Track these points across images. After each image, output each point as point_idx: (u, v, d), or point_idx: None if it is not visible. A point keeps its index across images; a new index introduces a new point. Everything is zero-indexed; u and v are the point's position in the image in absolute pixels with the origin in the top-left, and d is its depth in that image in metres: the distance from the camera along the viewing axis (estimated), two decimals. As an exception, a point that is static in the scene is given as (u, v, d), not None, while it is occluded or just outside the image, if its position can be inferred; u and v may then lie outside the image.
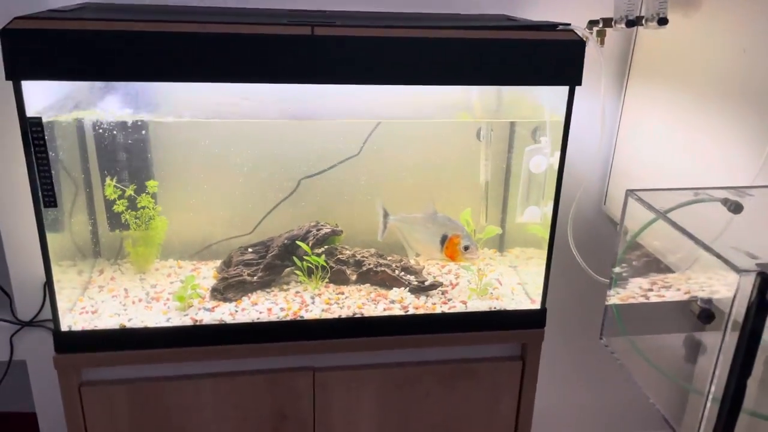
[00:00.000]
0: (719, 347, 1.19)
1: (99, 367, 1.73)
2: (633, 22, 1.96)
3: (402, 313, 1.87)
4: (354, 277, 2.00)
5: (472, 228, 2.38)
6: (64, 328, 1.88)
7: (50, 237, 1.78)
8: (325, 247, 2.23)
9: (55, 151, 1.83)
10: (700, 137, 1.73)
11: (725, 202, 1.52)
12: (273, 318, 1.83)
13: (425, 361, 1.93)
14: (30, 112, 1.61)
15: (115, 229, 2.08)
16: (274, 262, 1.94)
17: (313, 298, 1.94)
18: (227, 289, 1.92)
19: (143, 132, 1.95)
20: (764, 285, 1.08)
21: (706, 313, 1.32)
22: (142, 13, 1.58)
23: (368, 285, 1.98)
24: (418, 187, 2.11)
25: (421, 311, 1.89)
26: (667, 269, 2.04)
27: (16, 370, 2.11)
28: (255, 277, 1.95)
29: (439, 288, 2.00)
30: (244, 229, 2.11)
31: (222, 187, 2.03)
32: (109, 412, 1.73)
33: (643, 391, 1.59)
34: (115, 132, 2.02)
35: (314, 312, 1.84)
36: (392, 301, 1.92)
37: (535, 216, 2.07)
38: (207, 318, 1.82)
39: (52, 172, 1.73)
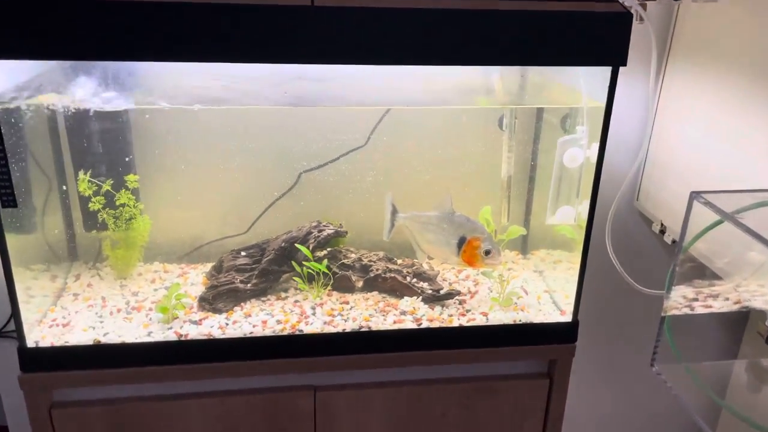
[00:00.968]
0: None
1: (71, 387, 1.50)
2: (682, -7, 1.70)
3: (414, 326, 1.71)
4: (360, 284, 1.80)
5: (492, 228, 2.12)
6: (30, 343, 1.65)
7: (18, 238, 1.55)
8: (328, 249, 1.99)
9: (21, 143, 1.60)
10: (749, 127, 1.48)
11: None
12: (268, 332, 1.60)
13: (440, 379, 1.78)
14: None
15: (92, 229, 1.84)
16: (271, 267, 1.71)
17: (314, 308, 1.70)
18: (217, 298, 1.69)
19: (122, 120, 1.70)
20: None
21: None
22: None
23: (376, 293, 1.84)
24: (431, 182, 1.96)
25: (435, 324, 1.73)
26: (714, 276, 1.80)
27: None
28: (249, 285, 1.71)
29: (456, 297, 1.80)
30: (238, 229, 1.95)
31: (213, 182, 1.88)
32: (83, 437, 1.49)
33: (702, 428, 1.34)
34: (89, 120, 1.78)
35: (315, 325, 1.62)
36: (403, 312, 1.68)
37: (568, 217, 1.81)
38: (193, 332, 1.59)
39: (13, 166, 1.49)
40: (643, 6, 1.86)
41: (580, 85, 1.80)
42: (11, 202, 1.44)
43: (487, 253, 1.80)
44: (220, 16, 1.25)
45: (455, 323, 1.72)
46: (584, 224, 1.60)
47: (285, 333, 1.66)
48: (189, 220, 1.91)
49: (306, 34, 1.29)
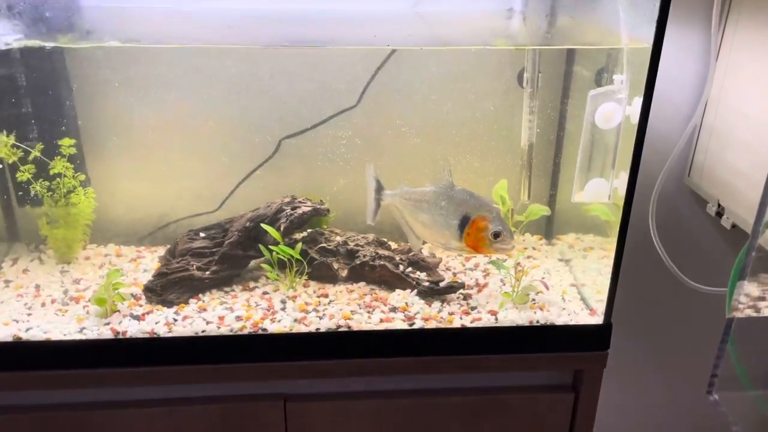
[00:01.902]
0: None
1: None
2: None
3: (405, 326, 1.47)
4: (344, 273, 1.62)
5: (508, 207, 1.76)
6: (-62, 339, 1.37)
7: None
8: (308, 231, 1.65)
9: None
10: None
11: None
12: (224, 330, 1.28)
13: (438, 391, 1.54)
14: None
15: (25, 204, 1.54)
16: (233, 251, 1.40)
17: (284, 302, 1.37)
18: (167, 288, 1.39)
19: (57, 64, 1.39)
20: None
21: None
22: None
23: (363, 284, 1.62)
24: (433, 151, 1.75)
25: (431, 324, 1.48)
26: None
27: None
28: (207, 272, 1.39)
29: (460, 291, 1.59)
30: (208, 205, 1.73)
31: (178, 146, 1.68)
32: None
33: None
34: (12, 65, 1.46)
35: (283, 322, 1.47)
36: (393, 309, 1.53)
37: (600, 192, 1.43)
38: (134, 329, 1.30)
39: None
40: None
41: (618, 24, 1.40)
42: None
43: (496, 235, 1.44)
44: None
45: (456, 323, 1.49)
46: (621, 203, 1.22)
47: (245, 332, 1.33)
48: (150, 194, 1.73)
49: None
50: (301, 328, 1.44)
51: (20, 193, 1.58)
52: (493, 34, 1.58)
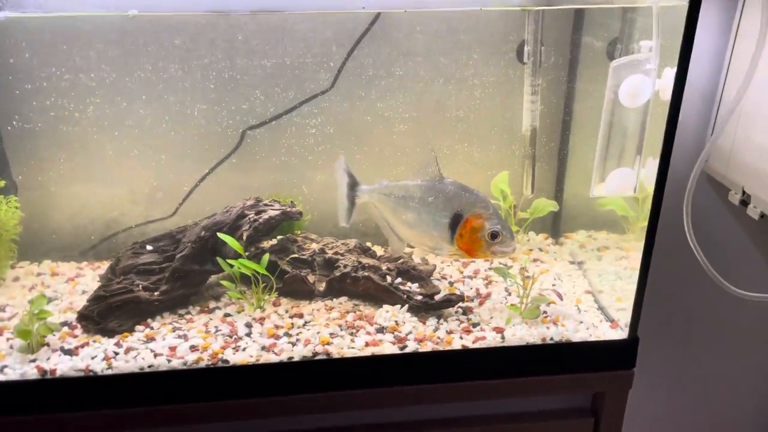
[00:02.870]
0: None
1: None
2: None
3: (396, 350, 1.27)
4: (321, 287, 1.43)
5: (510, 202, 1.52)
6: None
7: None
8: (276, 239, 1.40)
9: None
10: None
11: None
12: (177, 364, 1.24)
13: (436, 421, 1.34)
14: None
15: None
16: (188, 267, 1.18)
17: (249, 326, 1.33)
18: (106, 314, 1.16)
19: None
20: None
21: None
22: None
23: (345, 299, 1.43)
24: (419, 139, 1.54)
25: (427, 347, 1.28)
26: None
27: None
28: (156, 293, 1.14)
29: (458, 305, 1.40)
30: (162, 210, 1.54)
31: (125, 143, 1.48)
32: None
33: None
34: None
35: (249, 351, 1.26)
36: (381, 329, 1.34)
37: (625, 184, 1.19)
38: (64, 366, 1.10)
39: None
40: None
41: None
42: None
43: (494, 236, 1.21)
44: None
45: (456, 344, 1.29)
46: (643, 197, 1.01)
47: (202, 365, 1.08)
48: (94, 198, 1.53)
49: None
50: (271, 358, 1.21)
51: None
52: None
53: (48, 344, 1.24)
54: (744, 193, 1.61)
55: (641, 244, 1.50)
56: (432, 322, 1.33)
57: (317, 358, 1.25)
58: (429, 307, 1.35)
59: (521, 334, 1.29)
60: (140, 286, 1.31)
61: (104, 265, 1.51)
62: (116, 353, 1.23)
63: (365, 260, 1.41)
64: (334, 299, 1.40)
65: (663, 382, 2.03)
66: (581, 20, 1.46)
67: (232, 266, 1.31)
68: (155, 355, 1.22)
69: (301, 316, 1.34)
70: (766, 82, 1.47)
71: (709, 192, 1.80)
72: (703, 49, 1.59)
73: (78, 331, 1.29)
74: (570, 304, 1.41)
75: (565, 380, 1.32)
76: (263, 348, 1.25)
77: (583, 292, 1.46)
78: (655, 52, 1.14)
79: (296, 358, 1.24)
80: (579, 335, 1.31)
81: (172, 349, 1.24)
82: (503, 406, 1.37)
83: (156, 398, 1.22)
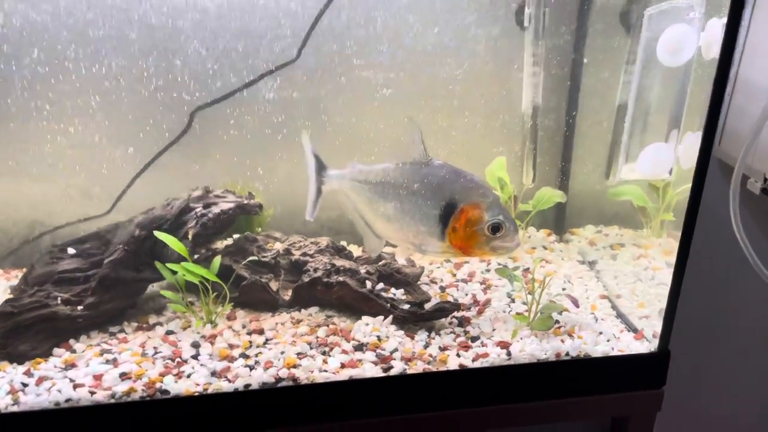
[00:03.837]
0: None
1: None
2: None
3: (379, 372, 1.06)
4: (287, 296, 1.21)
5: (509, 193, 1.32)
6: None
7: None
8: (233, 237, 1.15)
9: None
10: None
11: None
12: (102, 396, 1.00)
13: None
14: None
15: None
16: (120, 274, 0.97)
17: (197, 345, 1.12)
18: (14, 335, 0.91)
19: None
20: None
21: None
22: None
23: (316, 310, 1.22)
24: (400, 116, 1.27)
25: (417, 368, 1.08)
26: None
27: None
28: (80, 308, 0.91)
29: (453, 315, 1.19)
30: (96, 207, 1.33)
31: (55, 127, 1.28)
32: None
33: None
34: None
35: (196, 378, 1.04)
36: (360, 346, 1.13)
37: (660, 162, 0.97)
38: None
39: None
40: None
41: None
42: None
43: (495, 229, 1.02)
44: None
45: (452, 363, 1.10)
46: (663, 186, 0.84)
47: (135, 397, 1.02)
48: (16, 194, 1.33)
49: None
50: (223, 386, 1.01)
51: None
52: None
53: (-64, 374, 0.98)
54: (766, 180, 1.41)
55: (661, 240, 1.29)
56: (422, 336, 1.12)
57: (281, 384, 1.03)
58: (418, 317, 1.13)
59: (531, 349, 1.08)
60: (59, 299, 1.06)
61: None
62: (25, 384, 1.00)
63: (340, 262, 1.18)
64: (303, 310, 1.19)
65: (692, 401, 1.80)
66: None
67: (174, 272, 1.06)
68: (75, 386, 1.00)
69: (261, 332, 1.11)
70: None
71: (725, 179, 1.59)
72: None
73: (-21, 356, 1.03)
74: (585, 311, 1.19)
75: (583, 403, 1.12)
76: (213, 374, 1.02)
77: (597, 297, 1.26)
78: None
79: (255, 386, 1.02)
80: (600, 349, 1.10)
81: (97, 377, 1.01)
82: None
83: (77, 440, 0.96)
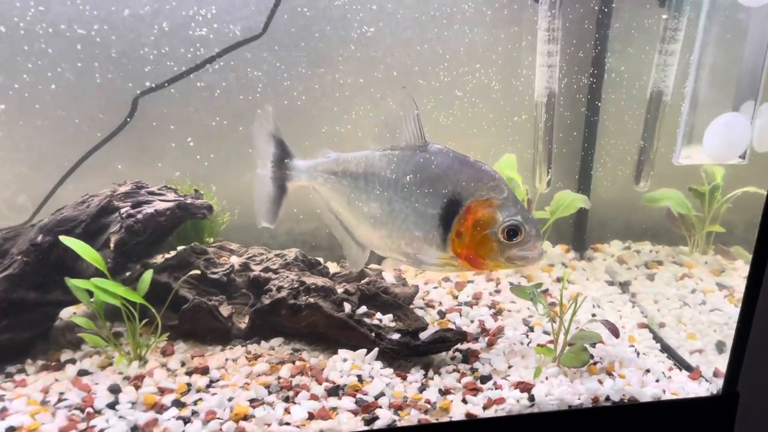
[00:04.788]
0: None
1: None
2: None
3: (360, 426, 0.82)
4: (242, 324, 0.95)
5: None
6: None
7: None
8: (177, 250, 0.91)
9: None
10: None
11: None
12: None
13: None
14: None
15: None
16: (18, 293, 0.71)
17: (116, 390, 0.86)
18: None
19: None
20: None
21: None
22: None
23: (280, 342, 0.96)
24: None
25: (411, 418, 0.82)
26: None
27: None
28: None
29: (456, 348, 0.95)
30: (20, 214, 1.10)
31: None
32: None
33: None
34: None
35: None
36: (335, 389, 0.87)
37: (734, 139, 0.74)
38: None
39: None
40: None
41: None
42: None
43: (512, 233, 0.81)
44: None
45: (457, 411, 0.85)
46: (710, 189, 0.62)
47: None
48: None
49: None
50: None
51: None
52: None
53: None
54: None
55: (708, 257, 1.06)
56: (416, 375, 0.87)
57: (224, 448, 0.75)
58: (411, 350, 0.90)
59: (560, 392, 0.83)
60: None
61: None
62: None
63: (311, 280, 0.93)
64: (263, 343, 0.91)
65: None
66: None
67: (91, 294, 0.80)
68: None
69: (205, 371, 0.85)
70: None
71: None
72: None
73: None
74: (622, 343, 0.94)
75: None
76: (134, 429, 0.74)
77: (635, 326, 1.01)
78: None
79: (189, 451, 0.74)
80: (648, 392, 0.83)
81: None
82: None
83: None
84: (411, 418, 0.85)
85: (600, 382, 0.89)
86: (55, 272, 0.88)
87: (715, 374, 0.90)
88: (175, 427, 0.83)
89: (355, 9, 1.13)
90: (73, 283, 0.86)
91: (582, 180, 1.24)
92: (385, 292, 0.99)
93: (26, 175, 1.16)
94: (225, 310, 0.94)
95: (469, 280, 1.13)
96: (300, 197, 1.00)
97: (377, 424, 0.88)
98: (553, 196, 1.14)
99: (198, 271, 0.90)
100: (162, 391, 0.87)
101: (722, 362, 0.95)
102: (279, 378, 0.90)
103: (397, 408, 0.85)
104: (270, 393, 0.87)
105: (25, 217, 1.17)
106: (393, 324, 0.96)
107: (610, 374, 0.91)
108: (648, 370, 0.93)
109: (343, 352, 0.92)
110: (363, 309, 0.97)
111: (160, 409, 0.86)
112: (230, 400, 0.85)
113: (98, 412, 0.84)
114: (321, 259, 1.09)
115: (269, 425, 0.83)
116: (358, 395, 0.87)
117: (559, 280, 1.16)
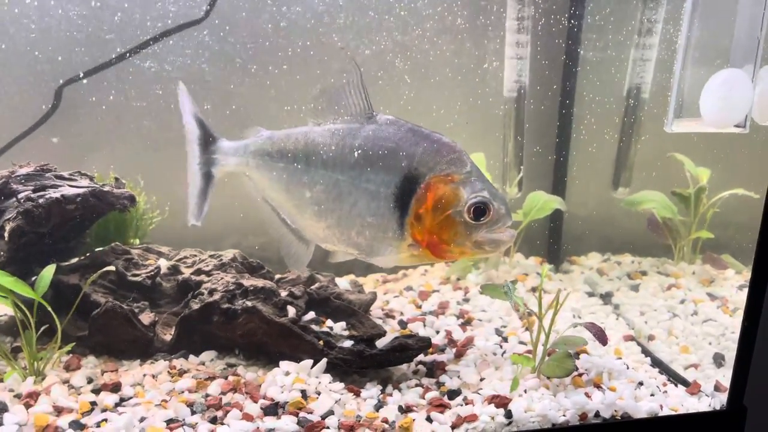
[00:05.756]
0: None
1: None
2: None
3: None
4: (169, 336, 0.81)
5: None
6: None
7: None
8: (95, 250, 0.78)
9: None
10: None
11: None
12: None
13: None
14: None
15: None
16: None
17: (2, 410, 0.72)
18: None
19: None
20: None
21: None
22: None
23: (213, 357, 0.84)
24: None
25: None
26: None
27: None
28: None
29: (419, 359, 0.81)
30: None
31: None
32: None
33: None
34: None
35: None
36: (273, 408, 0.72)
37: (736, 100, 0.65)
38: None
39: None
40: None
41: None
42: None
43: (480, 212, 0.69)
44: None
45: (421, 431, 0.70)
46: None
47: None
48: None
49: None
50: None
51: None
52: None
53: None
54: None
55: (696, 266, 0.97)
56: (372, 391, 0.75)
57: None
58: (366, 360, 0.77)
59: (542, 407, 0.70)
60: None
61: None
62: None
63: (250, 282, 0.79)
64: (191, 356, 0.76)
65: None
66: None
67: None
68: None
69: (116, 388, 0.70)
70: None
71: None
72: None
73: None
74: (607, 356, 0.82)
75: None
76: (15, 459, 0.60)
77: (621, 339, 0.88)
78: None
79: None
80: (643, 407, 0.71)
81: None
82: None
83: None
84: (358, 448, 0.71)
85: (587, 395, 0.76)
86: (-66, 267, 0.74)
87: (717, 388, 0.79)
88: (66, 456, 0.67)
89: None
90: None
91: (556, 181, 1.15)
92: (338, 298, 0.86)
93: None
94: (146, 317, 0.79)
95: (434, 290, 1.01)
96: (249, 207, 0.88)
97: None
98: (525, 198, 1.05)
99: (113, 268, 0.75)
100: (59, 411, 0.71)
101: (721, 375, 0.84)
102: (206, 395, 0.75)
103: (349, 428, 0.72)
104: (193, 413, 0.72)
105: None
106: (346, 332, 0.83)
107: (598, 387, 0.78)
108: (641, 383, 0.81)
109: (285, 365, 0.77)
110: (311, 315, 0.84)
111: (54, 431, 0.70)
112: (142, 420, 0.69)
113: (-26, 438, 0.68)
114: (264, 264, 0.96)
115: (189, 454, 0.68)
116: (302, 414, 0.72)
117: (534, 289, 1.05)
